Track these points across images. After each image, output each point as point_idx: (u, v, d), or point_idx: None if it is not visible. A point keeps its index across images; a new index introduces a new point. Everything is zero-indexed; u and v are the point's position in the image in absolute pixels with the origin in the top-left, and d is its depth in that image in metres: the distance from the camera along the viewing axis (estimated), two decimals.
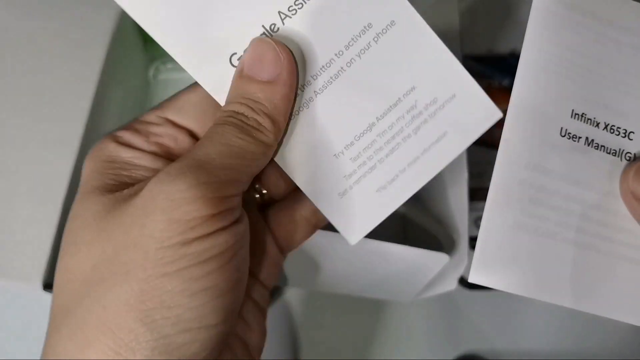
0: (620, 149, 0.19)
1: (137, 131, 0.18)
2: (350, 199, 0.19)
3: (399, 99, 0.19)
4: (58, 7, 0.34)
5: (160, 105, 0.19)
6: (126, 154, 0.18)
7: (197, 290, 0.15)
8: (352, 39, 0.18)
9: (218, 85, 0.18)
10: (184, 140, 0.18)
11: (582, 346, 0.35)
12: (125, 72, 0.36)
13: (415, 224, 0.31)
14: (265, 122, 0.17)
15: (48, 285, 0.27)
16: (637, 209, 0.19)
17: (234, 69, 0.18)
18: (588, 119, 0.19)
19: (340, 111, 0.19)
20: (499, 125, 0.43)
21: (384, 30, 0.18)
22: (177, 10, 0.17)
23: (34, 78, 0.32)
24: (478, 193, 0.39)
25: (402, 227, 0.32)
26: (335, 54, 0.18)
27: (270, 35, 0.18)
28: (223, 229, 0.16)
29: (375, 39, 0.18)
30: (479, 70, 0.44)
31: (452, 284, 0.26)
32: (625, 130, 0.19)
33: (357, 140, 0.19)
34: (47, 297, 0.27)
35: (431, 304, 0.36)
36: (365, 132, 0.19)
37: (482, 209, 0.40)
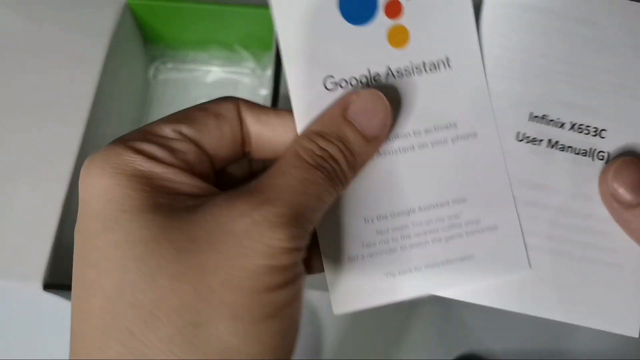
0: (591, 149, 0.18)
1: (159, 145, 0.16)
2: (356, 269, 0.19)
3: (447, 202, 0.18)
4: (59, 8, 0.34)
5: (171, 118, 0.17)
6: (159, 169, 0.15)
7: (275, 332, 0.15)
8: (435, 127, 0.18)
9: (305, 107, 0.18)
10: (206, 161, 0.17)
11: (582, 346, 0.35)
12: (125, 72, 0.36)
13: None
14: (350, 176, 0.17)
15: (48, 286, 0.27)
16: (618, 211, 0.18)
17: (326, 90, 0.17)
18: (550, 120, 0.18)
19: (391, 182, 0.18)
20: None
21: (465, 137, 0.18)
22: (310, 28, 0.17)
23: (34, 78, 0.32)
24: None
25: None
26: (413, 131, 0.18)
27: (370, 81, 0.17)
28: (299, 275, 0.16)
29: (454, 140, 0.18)
30: None
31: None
32: (596, 129, 0.18)
33: (391, 217, 0.18)
34: (47, 297, 0.27)
35: (431, 304, 0.36)
36: (402, 214, 0.18)
37: None
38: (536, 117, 0.18)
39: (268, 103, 0.40)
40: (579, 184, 0.18)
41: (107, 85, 0.32)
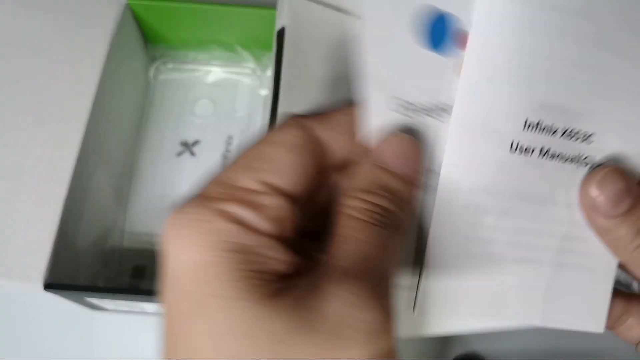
0: (578, 155, 0.18)
1: (249, 206, 0.15)
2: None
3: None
4: (59, 8, 0.34)
5: (246, 164, 0.16)
6: (252, 241, 0.14)
7: None
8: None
9: (370, 124, 0.17)
10: (291, 211, 0.16)
11: (582, 345, 0.35)
12: (126, 73, 0.36)
13: None
14: (406, 220, 0.17)
15: (49, 286, 0.27)
16: (597, 220, 0.18)
17: (391, 112, 0.17)
18: (544, 127, 0.17)
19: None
20: None
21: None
22: (386, 49, 0.17)
23: (35, 78, 0.32)
24: None
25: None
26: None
27: (435, 109, 0.17)
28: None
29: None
30: None
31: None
32: (585, 134, 0.17)
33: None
34: (48, 297, 0.27)
35: None
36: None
37: None
38: (530, 124, 0.17)
39: (268, 103, 0.40)
40: (568, 192, 0.18)
41: (107, 85, 0.32)
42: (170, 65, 0.40)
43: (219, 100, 0.40)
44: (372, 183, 0.16)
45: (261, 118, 0.39)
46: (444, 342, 0.35)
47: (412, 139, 0.17)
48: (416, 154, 0.17)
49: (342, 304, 0.14)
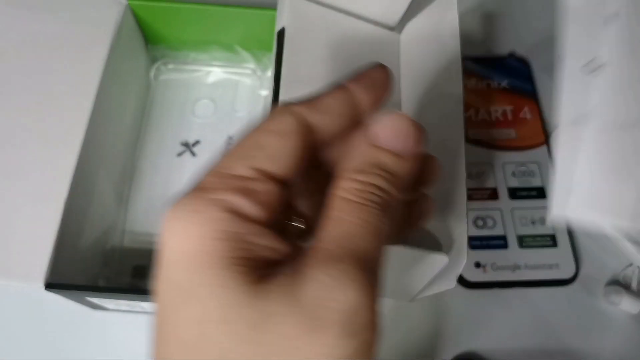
0: None
1: (242, 193, 0.15)
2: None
3: None
4: (60, 8, 0.34)
5: (240, 152, 0.16)
6: (244, 229, 0.15)
7: None
8: None
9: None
10: (282, 194, 0.16)
11: (585, 346, 0.35)
12: (126, 73, 0.36)
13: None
14: (398, 197, 0.17)
15: (50, 285, 0.27)
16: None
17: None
18: None
19: None
20: (496, 124, 0.43)
21: None
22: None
23: (36, 79, 0.32)
24: (477, 193, 0.39)
25: None
26: None
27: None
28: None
29: None
30: (478, 72, 0.44)
31: (451, 283, 0.26)
32: None
33: None
34: (48, 296, 0.28)
35: (430, 302, 0.36)
36: None
37: (481, 209, 0.40)
38: None
39: (268, 104, 0.40)
40: None
41: (108, 85, 0.32)
42: (171, 66, 0.41)
43: (220, 100, 0.40)
44: (367, 163, 0.17)
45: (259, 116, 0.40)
46: (443, 340, 0.35)
47: (407, 117, 0.17)
48: (412, 131, 0.17)
49: (319, 287, 0.14)
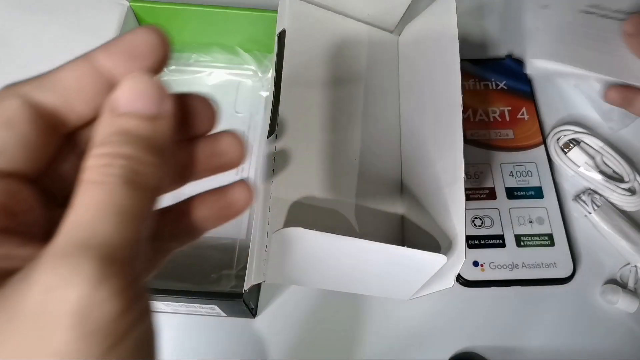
0: None
1: None
2: None
3: None
4: (62, 12, 0.34)
5: None
6: None
7: None
8: None
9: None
10: (22, 192, 0.14)
11: (582, 345, 0.36)
12: None
13: (413, 223, 0.31)
14: (158, 161, 0.14)
15: None
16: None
17: None
18: None
19: None
20: (494, 125, 0.44)
21: None
22: None
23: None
24: (475, 193, 0.40)
25: (400, 227, 0.32)
26: None
27: None
28: (144, 315, 0.13)
29: None
30: (476, 73, 0.45)
31: (449, 282, 0.27)
32: None
33: None
34: None
35: (428, 301, 0.36)
36: None
37: (479, 209, 0.41)
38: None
39: (269, 104, 0.40)
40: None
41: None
42: (172, 67, 0.41)
43: (221, 101, 0.40)
44: (109, 133, 0.14)
45: (262, 118, 0.40)
46: (441, 340, 0.36)
47: (146, 75, 0.15)
48: (153, 89, 0.15)
49: (44, 290, 0.12)
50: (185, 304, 0.32)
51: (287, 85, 0.31)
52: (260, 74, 0.41)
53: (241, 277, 0.34)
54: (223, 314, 0.34)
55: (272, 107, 0.32)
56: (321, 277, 0.28)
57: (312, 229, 0.23)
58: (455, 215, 0.27)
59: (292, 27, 0.34)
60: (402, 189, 0.33)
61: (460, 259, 0.26)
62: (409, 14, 0.38)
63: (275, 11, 0.36)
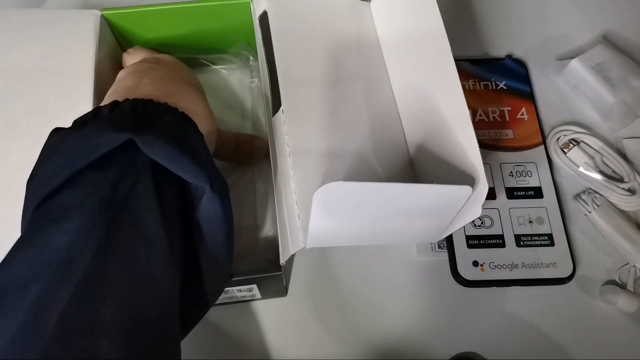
0: None
1: None
2: None
3: None
4: (36, 27, 0.35)
5: None
6: None
7: None
8: None
9: None
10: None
11: (581, 345, 0.36)
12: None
13: (428, 170, 0.32)
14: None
15: None
16: None
17: None
18: None
19: None
20: (494, 125, 0.43)
21: None
22: None
23: (37, 79, 0.32)
24: None
25: (412, 174, 0.33)
26: None
27: None
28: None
29: None
30: (476, 73, 0.45)
31: (477, 212, 0.27)
32: None
33: None
34: None
35: (428, 301, 0.36)
36: None
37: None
38: None
39: (255, 92, 0.40)
40: None
41: (101, 97, 0.33)
42: None
43: (212, 98, 0.40)
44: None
45: (251, 106, 0.40)
46: (442, 340, 0.36)
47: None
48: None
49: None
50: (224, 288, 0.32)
51: (283, 64, 0.32)
52: (246, 63, 0.41)
53: (266, 260, 0.35)
54: (258, 295, 0.35)
55: (271, 87, 0.32)
56: (358, 232, 0.28)
57: (349, 181, 0.23)
58: (471, 151, 0.27)
59: (272, 7, 0.34)
60: (412, 138, 0.33)
61: (484, 188, 0.26)
62: None
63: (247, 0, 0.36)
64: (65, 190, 0.22)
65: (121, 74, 0.31)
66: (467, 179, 0.27)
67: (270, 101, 0.33)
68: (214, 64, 0.42)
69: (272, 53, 0.32)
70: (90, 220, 0.21)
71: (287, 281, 0.37)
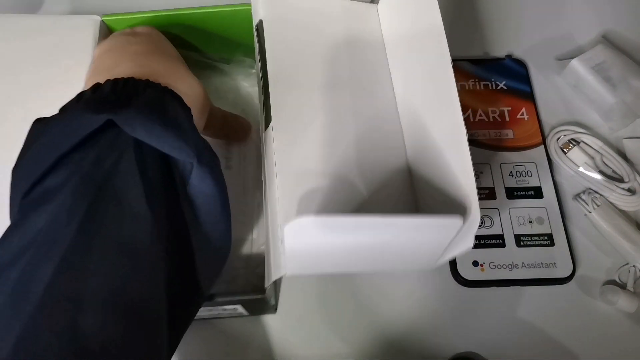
0: None
1: None
2: None
3: None
4: (37, 34, 0.35)
5: None
6: None
7: None
8: None
9: None
10: None
11: (581, 345, 0.36)
12: None
13: (423, 190, 0.31)
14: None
15: None
16: None
17: None
18: None
19: None
20: (494, 125, 0.43)
21: None
22: None
23: (37, 85, 0.32)
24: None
25: (410, 195, 0.32)
26: None
27: None
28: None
29: None
30: (476, 73, 0.45)
31: (469, 244, 0.26)
32: None
33: None
34: None
35: (428, 301, 0.36)
36: None
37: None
38: None
39: (255, 97, 0.40)
40: None
41: None
42: None
43: (218, 104, 0.41)
44: None
45: (253, 112, 0.40)
46: (441, 340, 0.36)
47: None
48: None
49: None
50: (209, 307, 0.32)
51: (274, 76, 0.31)
52: (240, 69, 0.41)
53: (257, 276, 0.34)
54: (246, 312, 0.34)
55: (263, 100, 0.32)
56: (340, 262, 0.28)
57: (324, 214, 0.23)
58: (464, 176, 0.26)
59: (269, 15, 0.33)
60: (406, 159, 0.33)
61: (476, 218, 0.25)
62: None
63: (249, 5, 0.35)
64: (49, 175, 0.22)
65: (98, 50, 0.30)
66: (458, 207, 0.26)
67: (263, 115, 0.32)
68: (217, 69, 0.41)
69: (266, 67, 0.31)
70: (72, 198, 0.21)
71: (277, 297, 0.36)
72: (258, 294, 0.31)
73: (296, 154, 0.29)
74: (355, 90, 0.33)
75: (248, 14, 0.36)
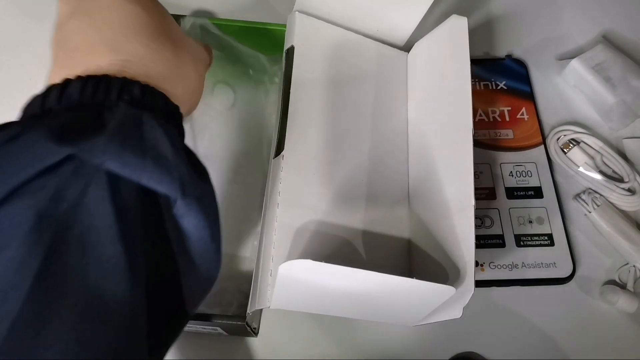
0: None
1: None
2: None
3: None
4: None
5: None
6: None
7: None
8: None
9: None
10: None
11: (581, 345, 0.36)
12: None
13: (420, 249, 0.31)
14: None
15: None
16: None
17: None
18: None
19: None
20: (494, 125, 0.44)
21: None
22: None
23: (36, 82, 0.32)
24: (475, 193, 0.40)
25: (407, 253, 0.32)
26: None
27: None
28: None
29: None
30: (476, 73, 0.45)
31: (457, 313, 0.26)
32: None
33: None
34: None
35: None
36: None
37: (479, 209, 0.40)
38: None
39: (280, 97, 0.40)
40: None
41: None
42: None
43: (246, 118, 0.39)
44: None
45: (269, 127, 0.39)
46: (442, 340, 0.36)
47: None
48: None
49: None
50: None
51: (295, 104, 0.31)
52: (269, 84, 0.41)
53: (243, 293, 0.32)
54: (225, 333, 0.34)
55: (279, 127, 0.31)
56: (327, 305, 0.28)
57: (318, 258, 0.22)
58: (465, 244, 0.26)
59: (301, 43, 0.33)
60: (410, 212, 0.33)
61: (469, 290, 0.25)
62: (419, 31, 0.37)
63: (281, 25, 0.35)
64: (3, 207, 0.18)
65: (63, 7, 0.24)
66: (455, 274, 0.26)
67: (276, 140, 0.32)
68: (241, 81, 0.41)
69: (289, 94, 0.31)
70: (23, 248, 0.17)
71: (258, 324, 0.35)
72: (239, 319, 0.30)
73: (301, 189, 0.29)
74: (372, 136, 0.33)
75: (269, 34, 0.36)
